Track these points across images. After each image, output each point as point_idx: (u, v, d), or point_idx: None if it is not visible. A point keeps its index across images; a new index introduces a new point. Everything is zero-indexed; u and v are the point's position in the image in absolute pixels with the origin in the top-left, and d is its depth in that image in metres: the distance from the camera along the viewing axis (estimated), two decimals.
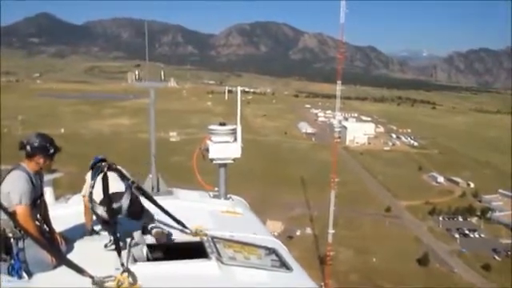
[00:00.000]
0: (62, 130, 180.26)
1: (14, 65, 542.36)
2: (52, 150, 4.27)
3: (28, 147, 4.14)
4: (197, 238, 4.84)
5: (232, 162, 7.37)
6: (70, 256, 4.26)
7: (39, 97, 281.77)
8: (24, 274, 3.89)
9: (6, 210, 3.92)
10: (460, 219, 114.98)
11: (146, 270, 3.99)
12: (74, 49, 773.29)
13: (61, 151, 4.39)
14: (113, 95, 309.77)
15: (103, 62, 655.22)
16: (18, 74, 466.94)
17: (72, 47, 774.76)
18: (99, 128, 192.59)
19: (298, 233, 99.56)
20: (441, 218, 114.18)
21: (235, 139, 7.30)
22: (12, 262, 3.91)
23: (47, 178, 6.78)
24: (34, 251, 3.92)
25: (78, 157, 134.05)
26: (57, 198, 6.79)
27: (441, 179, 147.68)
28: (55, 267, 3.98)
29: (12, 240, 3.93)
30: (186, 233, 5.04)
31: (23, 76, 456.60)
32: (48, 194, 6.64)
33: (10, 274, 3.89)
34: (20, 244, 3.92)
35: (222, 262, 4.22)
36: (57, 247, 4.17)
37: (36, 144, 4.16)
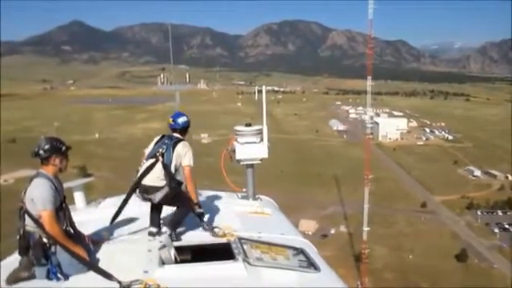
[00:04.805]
0: (97, 136, 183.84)
1: (48, 72, 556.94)
2: (64, 148, 4.38)
3: (41, 151, 4.24)
4: (224, 240, 4.87)
5: (259, 162, 7.38)
6: (99, 259, 4.39)
7: (73, 103, 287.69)
8: (60, 277, 4.01)
9: (32, 217, 4.06)
10: (499, 213, 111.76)
11: (173, 273, 4.03)
12: (106, 55, 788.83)
13: (71, 149, 4.49)
14: (144, 99, 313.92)
15: (134, 67, 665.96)
16: (52, 81, 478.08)
17: (103, 53, 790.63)
18: (132, 132, 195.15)
19: (333, 231, 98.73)
20: (479, 213, 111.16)
21: (261, 139, 7.31)
22: (49, 266, 4.04)
23: (78, 182, 6.95)
24: (67, 254, 4.06)
25: (113, 161, 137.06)
26: (89, 202, 6.95)
27: (478, 173, 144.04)
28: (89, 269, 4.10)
29: (47, 245, 4.07)
30: (213, 234, 5.11)
31: (57, 83, 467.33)
32: (79, 198, 6.82)
33: (48, 277, 4.02)
34: (53, 248, 4.05)
35: (249, 263, 4.22)
36: (84, 251, 4.24)
37: (47, 146, 4.26)
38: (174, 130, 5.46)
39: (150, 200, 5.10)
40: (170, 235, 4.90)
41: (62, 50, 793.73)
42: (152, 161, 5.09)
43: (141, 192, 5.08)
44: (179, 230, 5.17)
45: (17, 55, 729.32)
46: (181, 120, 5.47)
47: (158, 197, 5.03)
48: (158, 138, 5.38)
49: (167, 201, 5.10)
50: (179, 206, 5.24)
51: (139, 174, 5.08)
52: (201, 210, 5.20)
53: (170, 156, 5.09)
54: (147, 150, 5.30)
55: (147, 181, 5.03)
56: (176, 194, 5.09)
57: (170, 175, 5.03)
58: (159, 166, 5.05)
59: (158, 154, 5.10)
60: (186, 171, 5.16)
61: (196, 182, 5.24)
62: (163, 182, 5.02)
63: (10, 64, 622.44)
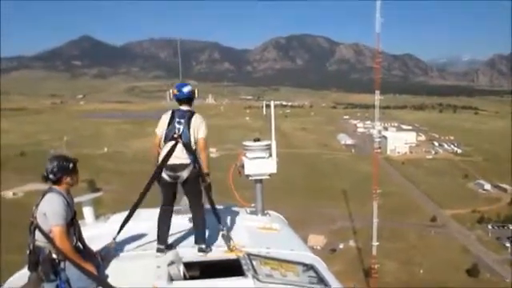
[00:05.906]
0: (105, 150, 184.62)
1: (58, 87, 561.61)
2: (72, 165, 4.36)
3: (51, 176, 4.24)
4: (233, 255, 4.83)
5: (268, 177, 7.36)
6: (107, 275, 4.37)
7: (83, 118, 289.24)
8: None
9: (43, 232, 4.06)
10: (510, 227, 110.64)
11: None
12: (115, 70, 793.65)
13: (78, 161, 4.49)
14: (153, 113, 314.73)
15: (143, 82, 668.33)
16: (62, 96, 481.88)
17: (113, 68, 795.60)
18: (141, 146, 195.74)
19: (341, 246, 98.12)
20: (490, 227, 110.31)
21: (270, 155, 7.30)
22: (58, 282, 4.03)
23: (88, 197, 6.96)
24: (76, 270, 4.05)
25: (122, 175, 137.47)
26: (97, 217, 6.95)
27: (488, 186, 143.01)
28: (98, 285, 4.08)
29: (57, 261, 4.06)
30: (222, 250, 5.07)
31: (67, 98, 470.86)
32: (88, 213, 6.82)
33: None
34: (62, 264, 4.05)
35: (259, 280, 4.17)
36: (93, 267, 4.24)
37: (56, 168, 4.24)
38: (180, 101, 5.50)
39: (177, 178, 5.19)
40: (206, 249, 5.05)
41: (72, 64, 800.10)
42: (172, 143, 5.19)
43: (167, 171, 5.17)
44: (188, 245, 5.15)
45: (26, 70, 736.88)
46: (186, 89, 5.49)
47: (185, 174, 5.16)
48: (169, 115, 5.37)
49: (192, 178, 5.20)
50: (197, 191, 5.33)
51: (162, 158, 5.16)
52: (209, 181, 5.29)
53: (188, 134, 5.21)
54: (159, 131, 5.36)
55: (173, 160, 5.15)
56: (200, 171, 5.23)
57: (192, 153, 5.19)
58: (180, 146, 5.17)
59: (175, 136, 5.20)
60: (201, 143, 5.27)
61: (208, 153, 5.44)
62: (188, 160, 5.15)
63: (20, 79, 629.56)
